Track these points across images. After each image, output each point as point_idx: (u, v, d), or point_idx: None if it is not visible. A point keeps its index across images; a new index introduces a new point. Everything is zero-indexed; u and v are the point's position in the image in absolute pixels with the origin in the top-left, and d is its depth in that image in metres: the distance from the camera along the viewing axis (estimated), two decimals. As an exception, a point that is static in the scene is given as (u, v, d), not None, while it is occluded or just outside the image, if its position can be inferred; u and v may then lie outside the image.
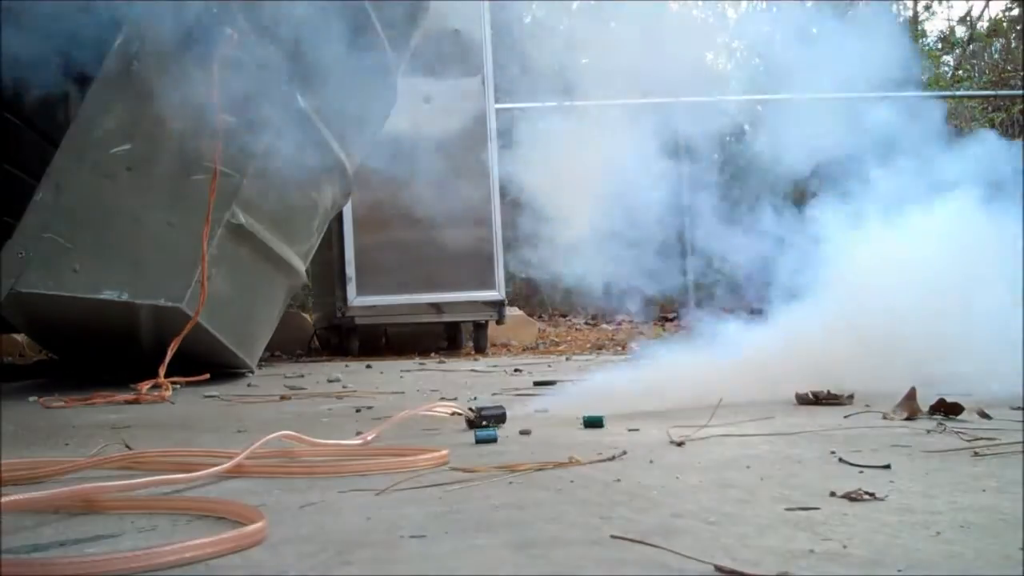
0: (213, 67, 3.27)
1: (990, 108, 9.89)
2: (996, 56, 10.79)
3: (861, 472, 1.42)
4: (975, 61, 11.09)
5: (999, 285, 2.59)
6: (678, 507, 1.20)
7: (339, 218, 5.61)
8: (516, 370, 4.16)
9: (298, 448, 1.69)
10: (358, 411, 2.55)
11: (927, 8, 12.02)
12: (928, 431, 1.86)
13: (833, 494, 1.24)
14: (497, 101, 6.30)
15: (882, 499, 1.21)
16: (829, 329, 2.51)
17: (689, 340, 2.69)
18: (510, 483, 1.40)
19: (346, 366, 4.88)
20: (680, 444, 1.75)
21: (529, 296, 9.48)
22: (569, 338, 6.96)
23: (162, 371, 3.20)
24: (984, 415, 2.02)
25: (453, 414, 2.13)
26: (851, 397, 2.41)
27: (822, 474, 1.42)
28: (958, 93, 10.42)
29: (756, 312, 2.69)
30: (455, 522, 1.14)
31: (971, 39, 11.34)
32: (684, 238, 8.61)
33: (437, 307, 5.90)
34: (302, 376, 4.10)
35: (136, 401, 2.97)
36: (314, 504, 1.28)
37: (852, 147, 3.25)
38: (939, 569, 0.90)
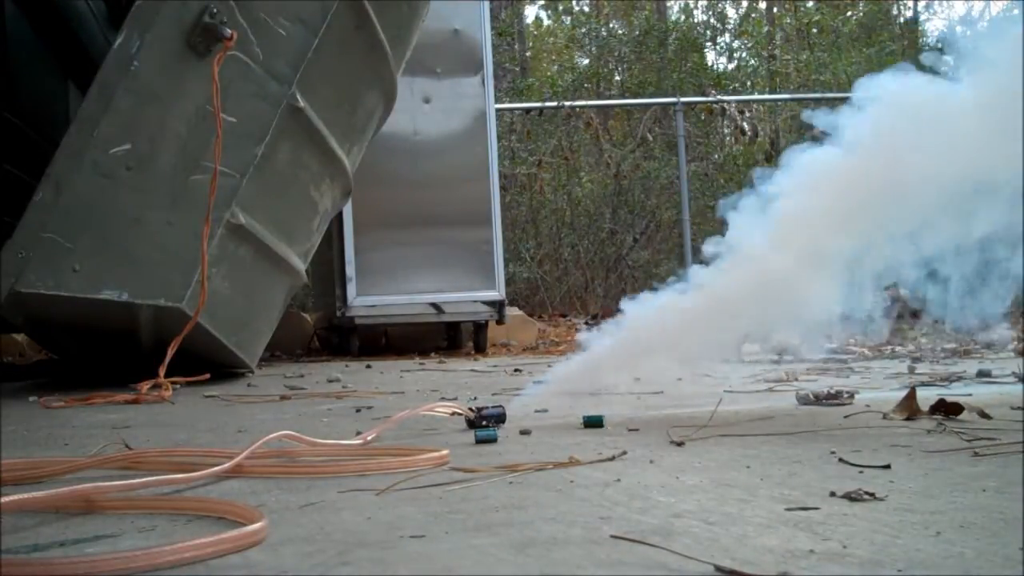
0: (213, 66, 3.26)
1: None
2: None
3: (861, 472, 1.42)
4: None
5: None
6: (678, 507, 1.20)
7: (339, 218, 5.61)
8: (516, 370, 4.16)
9: (298, 448, 1.69)
10: (358, 411, 2.55)
11: (927, 8, 12.05)
12: (928, 431, 1.86)
13: (833, 494, 1.24)
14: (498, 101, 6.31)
15: (882, 499, 1.21)
16: None
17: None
18: (510, 483, 1.40)
19: (346, 366, 4.88)
20: (680, 444, 1.75)
21: (529, 296, 9.49)
22: (569, 338, 6.96)
23: (162, 371, 3.20)
24: (984, 415, 2.02)
25: (453, 414, 2.13)
26: (851, 397, 2.41)
27: (822, 474, 1.42)
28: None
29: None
30: (455, 522, 1.14)
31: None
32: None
33: (437, 307, 5.90)
34: (302, 376, 4.10)
35: (136, 401, 2.96)
36: (314, 504, 1.28)
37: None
38: (939, 569, 0.90)
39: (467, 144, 6.03)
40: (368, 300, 5.80)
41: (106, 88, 3.29)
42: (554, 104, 9.42)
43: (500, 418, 2.04)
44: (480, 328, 6.08)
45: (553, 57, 14.33)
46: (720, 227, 2.19)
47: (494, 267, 6.00)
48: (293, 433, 1.69)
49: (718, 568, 0.89)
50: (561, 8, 14.75)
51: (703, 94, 10.33)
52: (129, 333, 3.42)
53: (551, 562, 0.95)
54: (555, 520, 1.14)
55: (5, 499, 1.17)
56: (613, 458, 1.59)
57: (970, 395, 2.47)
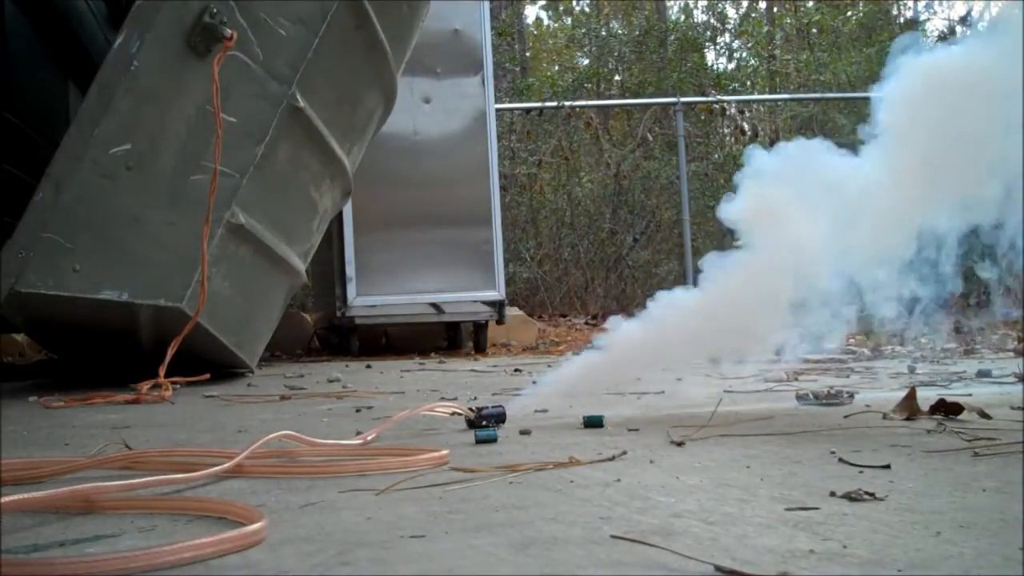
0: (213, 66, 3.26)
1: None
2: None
3: (861, 472, 1.42)
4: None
5: None
6: (678, 507, 1.20)
7: (339, 218, 5.61)
8: (516, 370, 4.17)
9: (298, 448, 1.69)
10: (358, 411, 2.55)
11: (927, 7, 12.06)
12: (928, 431, 1.86)
13: (833, 494, 1.24)
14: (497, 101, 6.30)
15: (882, 499, 1.21)
16: None
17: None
18: (510, 483, 1.40)
19: (346, 366, 4.88)
20: (680, 444, 1.75)
21: (529, 296, 9.49)
22: (569, 338, 6.96)
23: (162, 371, 3.20)
24: (984, 415, 2.02)
25: (453, 414, 2.13)
26: (851, 397, 2.41)
27: (822, 474, 1.42)
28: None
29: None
30: (455, 522, 1.14)
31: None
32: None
33: (437, 307, 5.90)
34: (302, 376, 4.10)
35: (136, 401, 2.96)
36: (314, 504, 1.28)
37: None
38: (939, 569, 0.90)
39: (467, 144, 6.03)
40: (368, 300, 5.80)
41: (106, 88, 3.29)
42: (554, 104, 9.41)
43: (500, 418, 2.04)
44: (480, 328, 6.08)
45: (553, 57, 14.33)
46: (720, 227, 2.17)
47: (494, 267, 6.00)
48: (293, 433, 1.69)
49: (718, 568, 0.89)
50: (561, 8, 14.76)
51: (703, 94, 10.33)
52: (129, 333, 3.42)
53: (551, 562, 0.95)
54: (555, 520, 1.14)
55: (5, 499, 1.17)
56: (613, 458, 1.59)
57: (970, 395, 2.48)
